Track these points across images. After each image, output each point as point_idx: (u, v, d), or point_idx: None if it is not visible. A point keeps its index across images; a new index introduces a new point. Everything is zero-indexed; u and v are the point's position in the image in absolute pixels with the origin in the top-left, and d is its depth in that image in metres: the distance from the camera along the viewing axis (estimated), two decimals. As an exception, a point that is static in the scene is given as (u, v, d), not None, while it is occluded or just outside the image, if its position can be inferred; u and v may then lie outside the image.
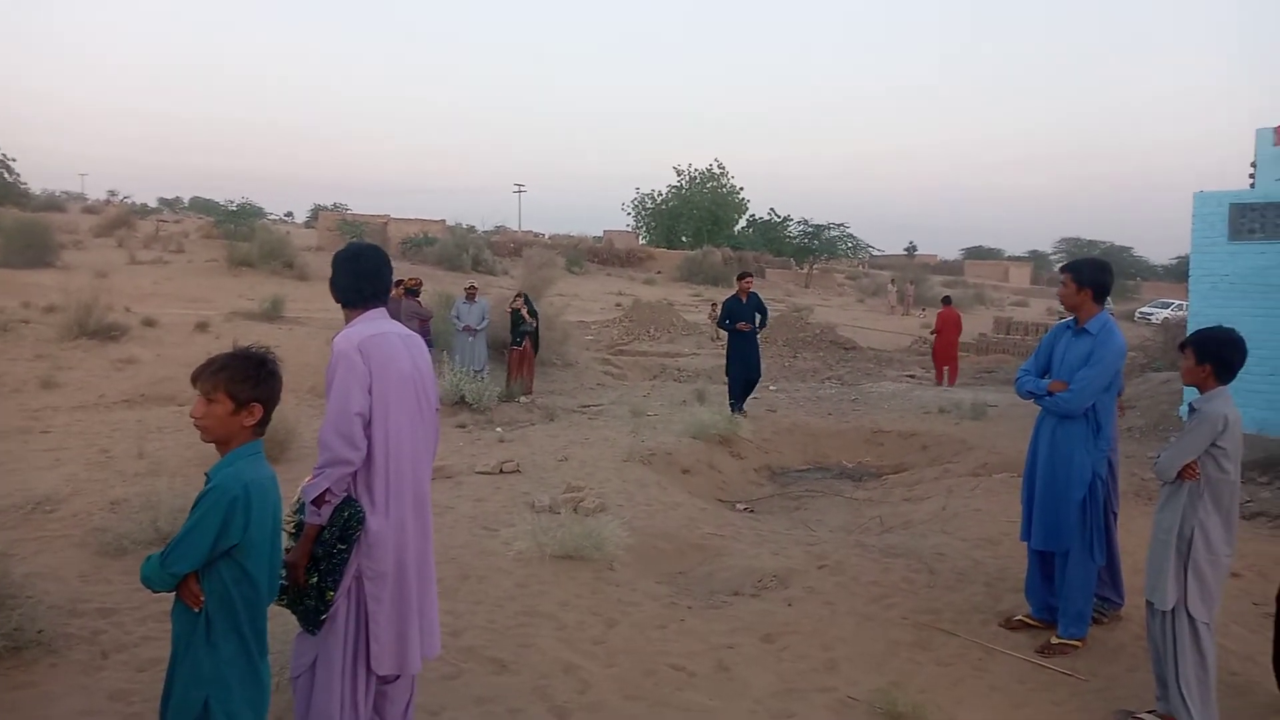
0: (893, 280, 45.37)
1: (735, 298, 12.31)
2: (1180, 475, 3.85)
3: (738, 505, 8.64)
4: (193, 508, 2.64)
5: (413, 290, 13.19)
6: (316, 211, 63.96)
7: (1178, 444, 3.88)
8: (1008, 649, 4.90)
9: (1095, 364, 4.77)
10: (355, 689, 3.27)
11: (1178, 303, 36.28)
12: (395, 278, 14.18)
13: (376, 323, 3.32)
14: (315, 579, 3.14)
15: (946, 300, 19.27)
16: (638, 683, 4.43)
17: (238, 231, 33.93)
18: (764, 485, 9.74)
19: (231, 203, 43.05)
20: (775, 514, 8.33)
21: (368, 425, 3.18)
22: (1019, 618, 5.22)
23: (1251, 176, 17.22)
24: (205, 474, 2.73)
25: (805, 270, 55.83)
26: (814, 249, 57.86)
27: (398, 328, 3.41)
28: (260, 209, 54.08)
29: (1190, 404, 4.01)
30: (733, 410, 11.80)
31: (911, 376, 18.15)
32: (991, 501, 7.68)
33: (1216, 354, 3.88)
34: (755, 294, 12.37)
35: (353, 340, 3.21)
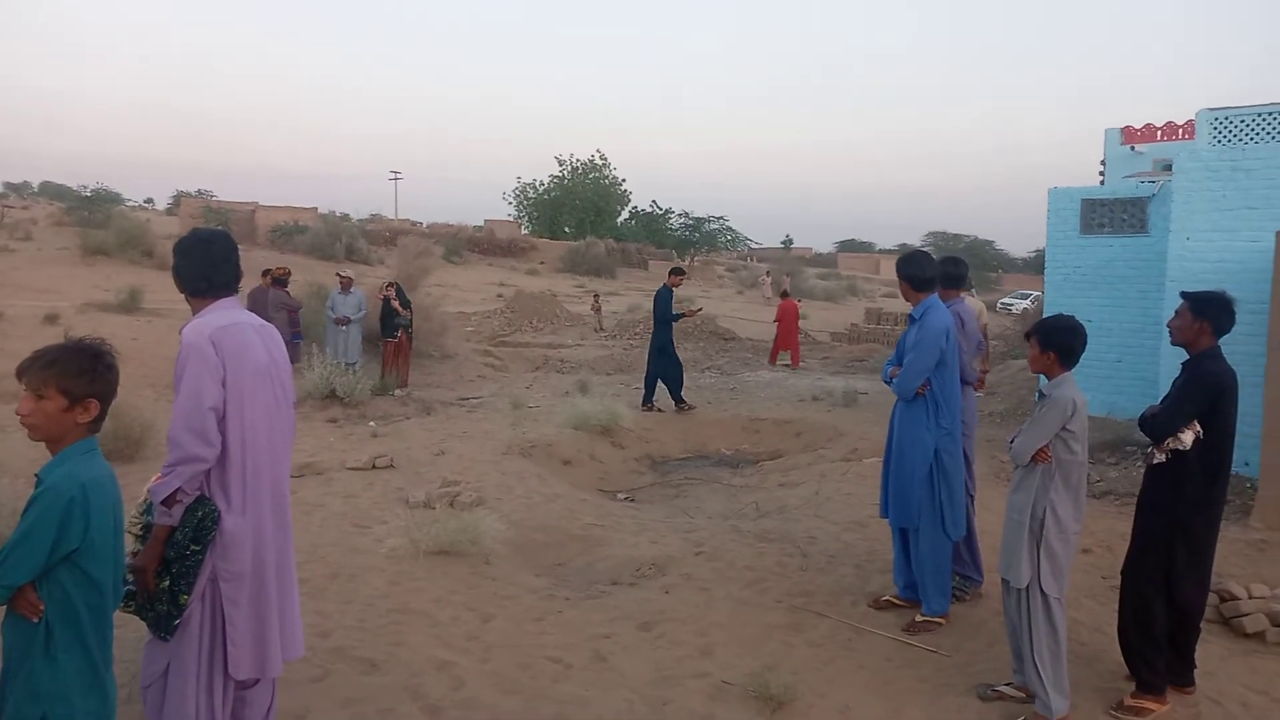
0: (768, 272, 46.28)
1: (669, 290, 12.44)
2: (1033, 458, 4.03)
3: (618, 495, 8.66)
4: (24, 512, 2.47)
5: (280, 280, 12.69)
6: (179, 198, 60.94)
7: (1030, 429, 4.06)
8: (876, 628, 5.06)
9: (915, 347, 5.07)
10: (211, 696, 3.12)
11: (1035, 294, 38.14)
12: (263, 267, 13.67)
13: (228, 312, 3.17)
14: (167, 583, 2.99)
15: (785, 294, 20.92)
16: (513, 677, 4.38)
17: (92, 218, 31.96)
18: (645, 474, 9.79)
19: (85, 188, 40.54)
20: (655, 503, 8.38)
21: (222, 420, 3.04)
22: (886, 598, 5.40)
23: (1101, 174, 18.32)
24: (36, 475, 2.55)
25: (686, 262, 56.48)
26: (695, 241, 58.65)
27: (251, 318, 3.26)
28: (117, 195, 51.27)
29: (1040, 390, 4.20)
30: (680, 405, 12.07)
31: (787, 365, 18.57)
32: (861, 485, 7.92)
33: (1058, 341, 4.08)
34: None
35: (203, 331, 3.05)
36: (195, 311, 3.19)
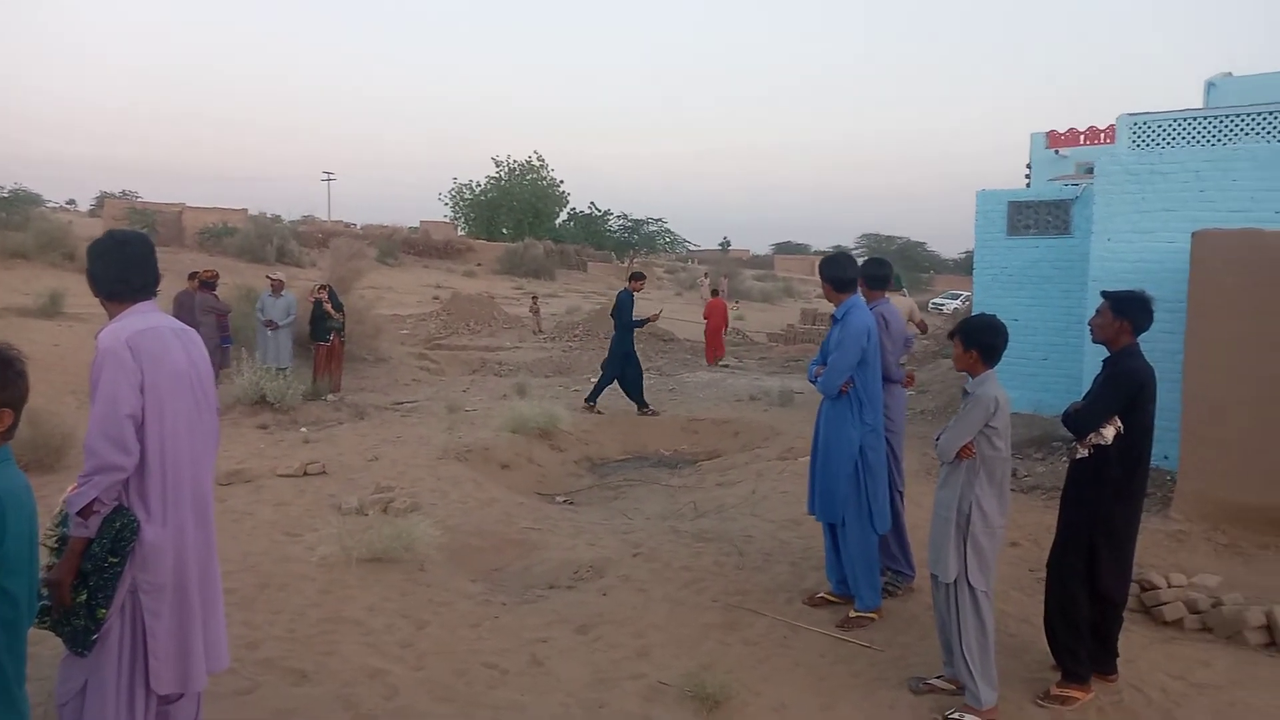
0: (705, 274, 46.54)
1: (630, 294, 12.49)
2: (958, 455, 4.11)
3: (557, 498, 8.63)
4: None
5: (208, 283, 12.39)
6: (102, 199, 59.06)
7: (955, 427, 4.14)
8: (810, 625, 5.11)
9: (838, 347, 5.16)
10: (132, 712, 3.04)
11: (965, 294, 38.94)
12: (190, 270, 13.28)
13: (146, 316, 3.08)
14: (84, 596, 2.90)
15: (715, 292, 21.85)
16: (448, 684, 4.33)
17: (10, 220, 30.80)
18: (583, 477, 9.77)
19: (3, 189, 38.98)
20: (594, 505, 8.37)
21: (140, 427, 2.96)
22: (821, 595, 5.46)
23: (1028, 177, 18.79)
24: None
25: (626, 264, 56.51)
26: (634, 243, 58.75)
27: (170, 321, 3.18)
28: (37, 196, 49.48)
29: (964, 388, 4.29)
30: (644, 409, 12.12)
31: (725, 366, 18.69)
32: (797, 484, 7.99)
33: (980, 340, 4.17)
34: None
35: (120, 336, 2.97)
36: (112, 316, 3.11)
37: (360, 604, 5.18)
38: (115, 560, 2.92)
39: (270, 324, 12.38)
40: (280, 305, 12.59)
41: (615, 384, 12.33)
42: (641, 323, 12.92)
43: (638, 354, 12.71)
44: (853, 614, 5.16)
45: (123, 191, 63.16)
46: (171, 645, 3.05)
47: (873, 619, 5.14)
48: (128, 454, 2.92)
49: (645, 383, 12.48)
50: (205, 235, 37.26)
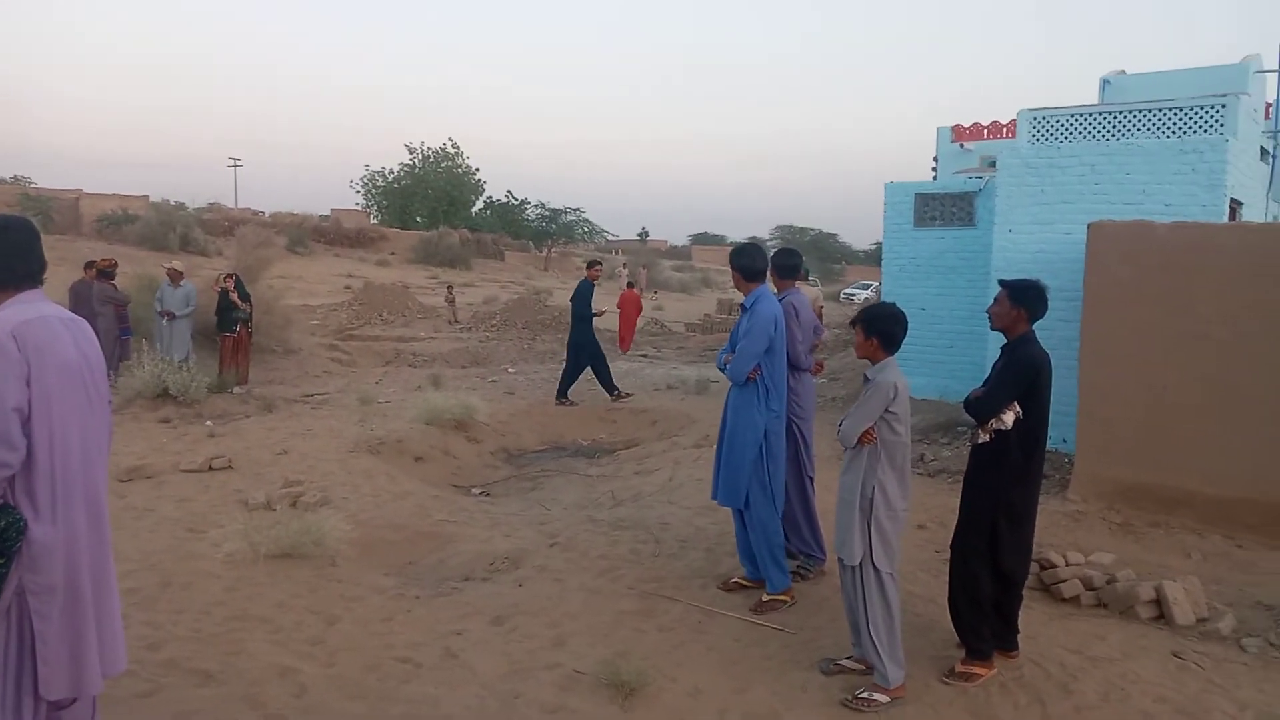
0: (624, 264, 46.59)
1: (590, 284, 12.42)
2: (859, 440, 4.20)
3: (473, 490, 8.55)
4: None
5: (106, 272, 11.87)
6: (-9, 184, 56.29)
7: (856, 413, 4.23)
8: (725, 610, 5.18)
9: (746, 334, 5.24)
10: (19, 719, 2.90)
11: (875, 284, 39.80)
12: (88, 258, 12.61)
13: (33, 305, 2.94)
14: (-35, 600, 2.75)
15: (630, 284, 22.66)
16: (360, 680, 4.26)
17: (-113, 206, 29.15)
18: (500, 468, 9.69)
19: (-122, 172, 36.92)
20: (511, 496, 8.31)
21: (26, 422, 2.82)
22: (735, 580, 5.54)
23: (934, 170, 19.25)
24: None
25: (544, 253, 56.18)
26: (551, 232, 58.41)
27: (59, 311, 3.03)
28: (-82, 180, 46.95)
29: (865, 375, 4.39)
30: (562, 400, 12.19)
31: (644, 356, 18.75)
32: (712, 471, 8.07)
33: (880, 328, 4.27)
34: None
35: (4, 326, 2.82)
36: (-5, 306, 2.96)
37: (268, 601, 5.06)
38: (1, 561, 2.79)
39: (167, 314, 11.93)
40: (179, 296, 12.12)
41: (584, 371, 12.40)
42: (595, 314, 12.86)
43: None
44: (765, 598, 5.24)
45: (14, 176, 60.08)
46: (63, 649, 2.92)
47: (785, 601, 5.23)
48: (13, 449, 2.78)
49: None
50: (104, 222, 35.86)
